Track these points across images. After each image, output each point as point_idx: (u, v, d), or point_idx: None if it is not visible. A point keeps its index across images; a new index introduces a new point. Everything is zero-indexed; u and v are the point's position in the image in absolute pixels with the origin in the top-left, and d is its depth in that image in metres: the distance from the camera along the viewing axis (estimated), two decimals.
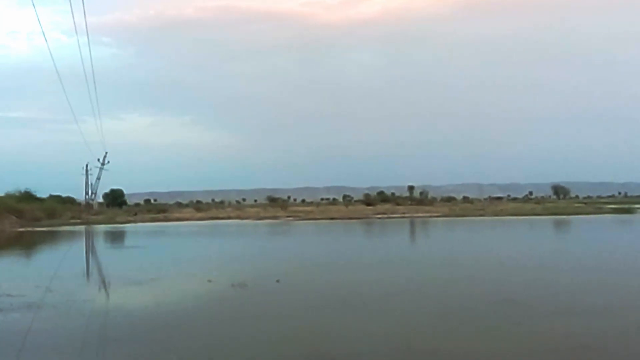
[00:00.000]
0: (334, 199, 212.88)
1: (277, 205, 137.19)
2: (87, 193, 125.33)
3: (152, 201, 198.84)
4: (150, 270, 29.24)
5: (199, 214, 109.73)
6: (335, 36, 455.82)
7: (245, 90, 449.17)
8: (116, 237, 62.74)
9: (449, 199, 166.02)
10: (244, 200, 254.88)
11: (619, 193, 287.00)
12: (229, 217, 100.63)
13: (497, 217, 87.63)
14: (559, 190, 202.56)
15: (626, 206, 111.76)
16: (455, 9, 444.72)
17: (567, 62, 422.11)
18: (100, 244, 55.30)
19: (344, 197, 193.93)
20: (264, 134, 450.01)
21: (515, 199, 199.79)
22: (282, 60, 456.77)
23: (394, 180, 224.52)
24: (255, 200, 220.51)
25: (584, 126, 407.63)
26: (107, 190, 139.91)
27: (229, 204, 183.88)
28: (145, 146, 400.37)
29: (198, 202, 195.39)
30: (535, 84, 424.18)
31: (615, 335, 14.52)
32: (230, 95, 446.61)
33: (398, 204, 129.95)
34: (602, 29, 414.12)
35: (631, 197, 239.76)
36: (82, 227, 78.51)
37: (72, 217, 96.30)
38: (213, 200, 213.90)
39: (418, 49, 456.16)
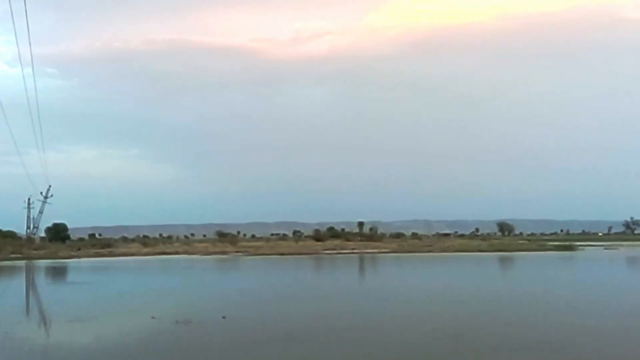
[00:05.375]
0: (284, 235, 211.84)
1: (226, 240, 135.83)
2: (28, 227, 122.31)
3: (96, 236, 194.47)
4: (93, 307, 28.66)
5: (146, 249, 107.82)
6: (285, 72, 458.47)
7: (194, 125, 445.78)
8: (58, 273, 61.16)
9: (398, 235, 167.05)
10: (192, 235, 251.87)
11: (561, 230, 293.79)
12: (177, 253, 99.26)
13: (444, 254, 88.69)
14: (504, 227, 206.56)
15: (568, 243, 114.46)
16: (401, 48, 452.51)
17: (507, 104, 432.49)
18: (42, 280, 53.84)
19: (294, 232, 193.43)
20: (213, 168, 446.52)
21: (462, 236, 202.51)
22: (231, 94, 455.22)
23: (344, 216, 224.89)
24: (204, 235, 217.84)
25: (526, 166, 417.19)
26: (50, 225, 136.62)
27: (177, 239, 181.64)
28: (90, 180, 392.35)
29: (145, 237, 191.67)
30: (480, 125, 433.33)
31: None
32: (178, 129, 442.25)
33: (348, 240, 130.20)
34: (541, 73, 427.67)
35: (573, 234, 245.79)
36: (22, 262, 76.32)
37: (13, 252, 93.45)
38: (160, 235, 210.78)
39: (366, 87, 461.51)
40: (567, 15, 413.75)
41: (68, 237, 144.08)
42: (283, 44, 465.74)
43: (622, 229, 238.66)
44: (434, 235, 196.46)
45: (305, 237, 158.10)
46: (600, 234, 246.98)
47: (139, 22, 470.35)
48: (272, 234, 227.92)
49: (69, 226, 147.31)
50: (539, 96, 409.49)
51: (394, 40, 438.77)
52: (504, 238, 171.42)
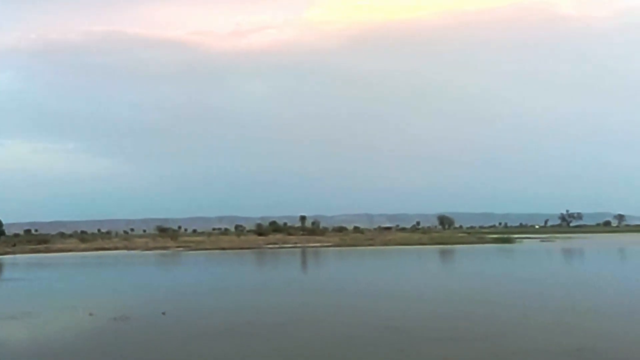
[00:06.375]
0: (225, 229, 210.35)
1: (166, 235, 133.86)
2: None
3: (32, 232, 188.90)
4: (28, 304, 27.84)
5: (84, 245, 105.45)
6: (225, 66, 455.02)
7: (132, 118, 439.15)
8: None
9: (340, 229, 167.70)
10: (132, 230, 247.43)
11: (500, 223, 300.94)
12: (116, 248, 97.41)
13: (385, 247, 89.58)
14: (444, 221, 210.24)
15: (506, 236, 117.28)
16: (342, 43, 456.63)
17: (445, 101, 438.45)
18: None
19: (236, 227, 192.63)
20: (153, 162, 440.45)
21: (403, 229, 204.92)
22: (171, 87, 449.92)
23: (286, 210, 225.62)
24: (144, 231, 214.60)
25: (465, 161, 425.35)
26: None
27: (116, 234, 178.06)
28: (25, 174, 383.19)
29: (83, 232, 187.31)
30: (419, 120, 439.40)
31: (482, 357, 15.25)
32: (117, 122, 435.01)
33: (290, 234, 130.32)
34: (478, 70, 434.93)
35: (511, 227, 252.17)
36: None
37: None
38: (99, 230, 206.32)
39: (307, 81, 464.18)
40: (505, 12, 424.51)
41: (3, 233, 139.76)
42: (223, 37, 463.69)
43: (558, 221, 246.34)
44: (375, 228, 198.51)
45: (248, 231, 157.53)
46: (537, 226, 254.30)
47: (76, 13, 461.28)
48: (213, 229, 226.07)
49: (3, 222, 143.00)
50: (477, 93, 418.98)
51: (334, 34, 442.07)
52: (445, 231, 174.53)
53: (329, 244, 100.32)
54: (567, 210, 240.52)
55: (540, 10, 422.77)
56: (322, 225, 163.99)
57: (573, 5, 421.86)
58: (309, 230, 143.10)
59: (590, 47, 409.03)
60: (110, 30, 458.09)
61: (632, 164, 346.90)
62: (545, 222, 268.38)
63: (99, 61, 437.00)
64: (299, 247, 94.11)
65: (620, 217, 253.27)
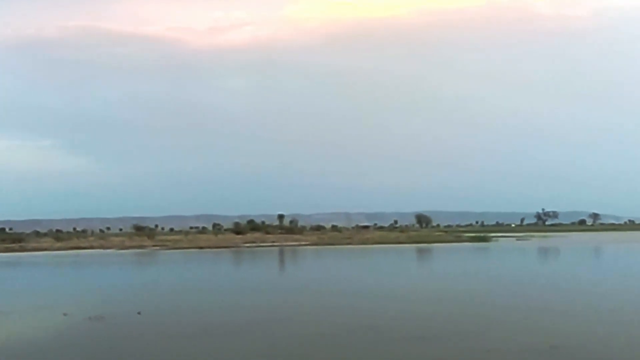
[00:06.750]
0: (203, 228, 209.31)
1: (143, 234, 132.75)
2: None
3: (6, 230, 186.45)
4: (1, 304, 27.46)
5: (59, 244, 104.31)
6: (204, 62, 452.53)
7: (110, 114, 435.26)
8: None
9: (318, 228, 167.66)
10: (108, 229, 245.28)
11: (477, 222, 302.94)
12: (92, 247, 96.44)
13: (363, 246, 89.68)
14: (422, 219, 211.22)
15: (482, 235, 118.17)
16: (320, 41, 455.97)
17: (424, 100, 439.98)
18: None
19: (214, 225, 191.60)
20: (129, 159, 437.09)
21: (381, 228, 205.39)
22: (148, 84, 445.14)
23: (264, 208, 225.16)
24: (121, 229, 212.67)
25: (443, 160, 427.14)
26: None
27: (92, 233, 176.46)
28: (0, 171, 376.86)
29: (58, 231, 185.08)
30: (397, 119, 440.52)
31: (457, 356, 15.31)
32: (94, 118, 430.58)
33: (268, 233, 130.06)
34: (455, 69, 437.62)
35: (487, 226, 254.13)
36: None
37: None
38: (74, 229, 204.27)
39: (286, 77, 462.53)
40: (482, 11, 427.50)
41: None
42: (200, 33, 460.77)
43: (534, 220, 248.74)
44: (353, 227, 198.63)
45: (225, 230, 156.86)
46: (513, 225, 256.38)
47: (52, 9, 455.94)
48: (191, 227, 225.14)
49: None
50: (454, 92, 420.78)
51: (313, 32, 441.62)
52: (422, 230, 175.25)
53: (307, 242, 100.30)
54: (543, 209, 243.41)
55: (517, 9, 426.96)
56: (300, 224, 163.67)
57: (550, 4, 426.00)
58: (287, 229, 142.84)
59: (567, 47, 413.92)
60: (86, 25, 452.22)
61: (607, 163, 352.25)
62: (522, 220, 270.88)
63: (75, 57, 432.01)
64: (276, 245, 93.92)
65: (595, 216, 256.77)
